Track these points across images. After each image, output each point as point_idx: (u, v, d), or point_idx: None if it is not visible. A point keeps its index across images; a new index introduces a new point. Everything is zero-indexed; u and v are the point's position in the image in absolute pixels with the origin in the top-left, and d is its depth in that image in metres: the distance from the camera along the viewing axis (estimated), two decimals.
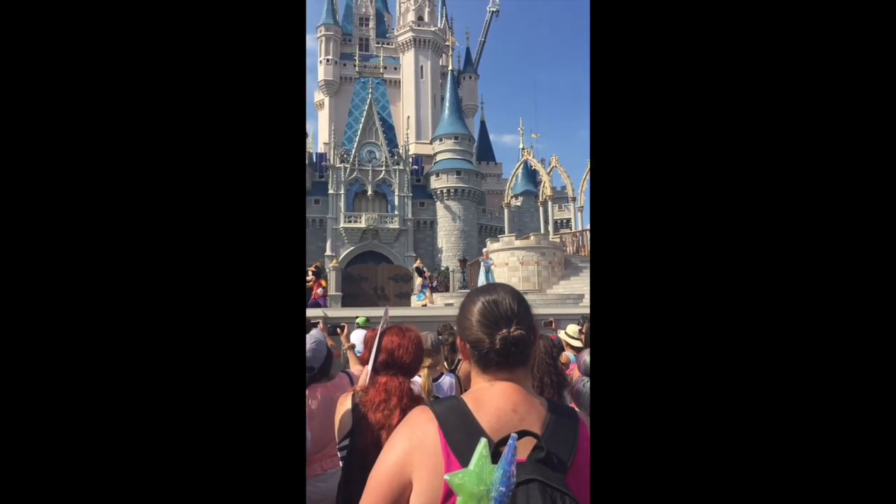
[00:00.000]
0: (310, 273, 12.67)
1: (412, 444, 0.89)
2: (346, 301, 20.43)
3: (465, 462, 0.82)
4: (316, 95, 47.45)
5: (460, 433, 0.87)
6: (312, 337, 2.50)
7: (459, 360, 3.84)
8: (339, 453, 1.50)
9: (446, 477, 0.80)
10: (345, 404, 1.54)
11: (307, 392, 2.37)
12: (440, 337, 3.55)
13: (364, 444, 1.42)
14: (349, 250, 35.25)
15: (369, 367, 1.66)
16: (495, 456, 0.81)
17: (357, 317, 5.69)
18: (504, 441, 0.82)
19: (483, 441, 0.82)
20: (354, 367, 3.19)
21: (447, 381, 3.01)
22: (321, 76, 44.51)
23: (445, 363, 3.50)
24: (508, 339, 0.93)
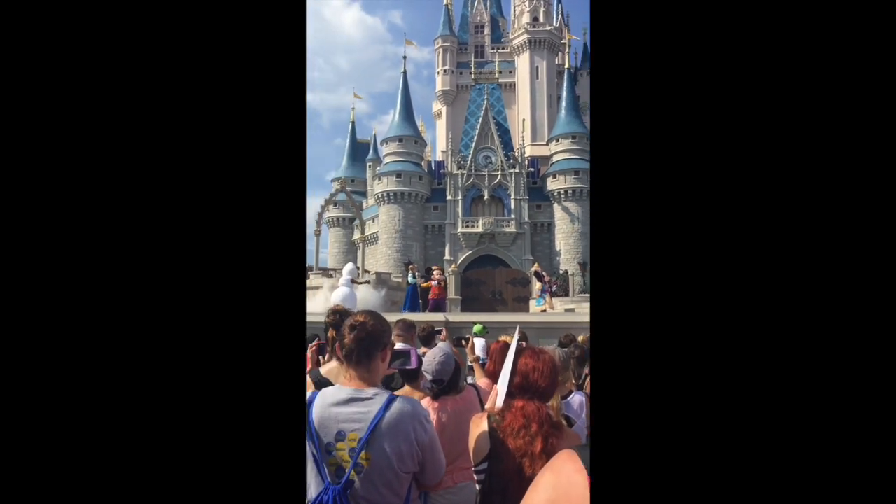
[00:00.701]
0: (435, 273, 13.07)
1: (557, 493, 0.85)
2: (465, 305, 20.77)
3: None
4: (434, 106, 49.06)
5: None
6: (441, 350, 2.56)
7: (587, 375, 3.68)
8: (475, 476, 1.51)
9: None
10: (480, 425, 1.54)
11: (437, 405, 2.43)
12: (565, 350, 3.43)
13: (504, 470, 1.40)
14: (467, 254, 35.84)
15: (501, 387, 1.64)
16: None
17: (474, 323, 5.72)
18: None
19: None
20: (481, 380, 3.20)
21: (577, 399, 2.90)
22: (438, 87, 45.94)
23: (573, 379, 3.37)
24: None
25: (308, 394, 1.50)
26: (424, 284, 12.52)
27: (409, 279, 13.11)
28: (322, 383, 2.34)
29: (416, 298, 12.75)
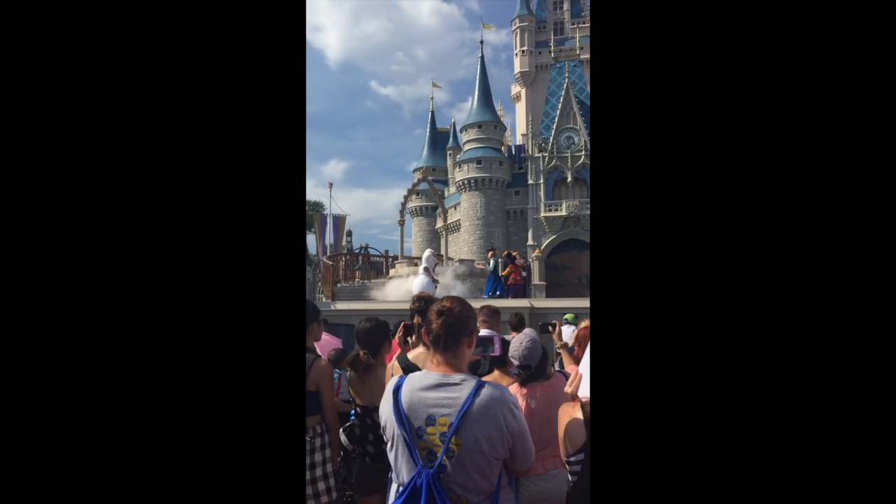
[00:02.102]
0: (519, 259, 12.91)
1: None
2: (550, 291, 20.40)
3: None
4: (513, 89, 48.20)
5: None
6: (527, 335, 2.51)
7: None
8: (567, 466, 1.46)
9: None
10: (572, 414, 1.48)
11: (526, 391, 2.39)
12: None
13: None
14: (550, 239, 35.08)
15: (587, 373, 1.57)
16: None
17: (565, 312, 5.60)
18: None
19: None
20: (569, 367, 3.12)
21: None
22: (517, 69, 44.97)
23: None
24: None
25: (395, 378, 1.53)
26: (503, 273, 12.39)
27: (490, 266, 13.04)
28: (410, 368, 2.39)
29: (496, 284, 12.68)
